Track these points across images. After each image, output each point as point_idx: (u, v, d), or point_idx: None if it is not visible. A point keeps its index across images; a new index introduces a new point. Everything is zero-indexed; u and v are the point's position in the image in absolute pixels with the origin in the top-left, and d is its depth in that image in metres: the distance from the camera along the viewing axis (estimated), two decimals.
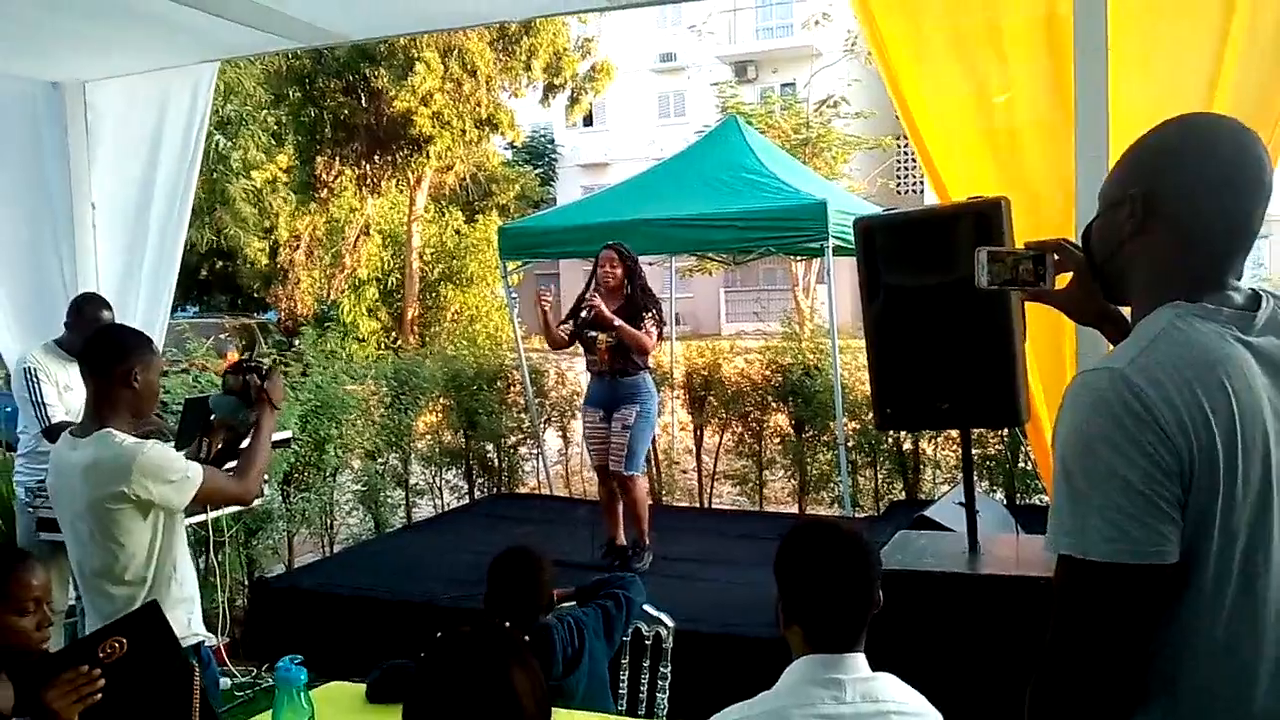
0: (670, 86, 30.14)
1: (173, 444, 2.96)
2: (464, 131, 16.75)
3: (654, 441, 6.61)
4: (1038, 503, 5.76)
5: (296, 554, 6.09)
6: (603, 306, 5.04)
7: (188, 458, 2.68)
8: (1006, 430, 5.66)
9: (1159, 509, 1.17)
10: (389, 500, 6.90)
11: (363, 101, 16.77)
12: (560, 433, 7.96)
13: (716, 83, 21.84)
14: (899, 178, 21.31)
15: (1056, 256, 1.64)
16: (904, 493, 6.67)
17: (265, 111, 15.31)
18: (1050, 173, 3.03)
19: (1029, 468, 5.90)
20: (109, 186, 4.68)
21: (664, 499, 7.35)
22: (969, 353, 2.86)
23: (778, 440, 7.13)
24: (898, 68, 3.23)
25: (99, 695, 1.95)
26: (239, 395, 2.80)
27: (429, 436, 7.59)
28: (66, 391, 4.10)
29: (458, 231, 19.09)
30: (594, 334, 5.10)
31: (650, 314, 5.09)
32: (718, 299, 26.93)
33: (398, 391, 7.19)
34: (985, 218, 2.76)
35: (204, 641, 2.76)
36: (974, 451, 3.79)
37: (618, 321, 5.01)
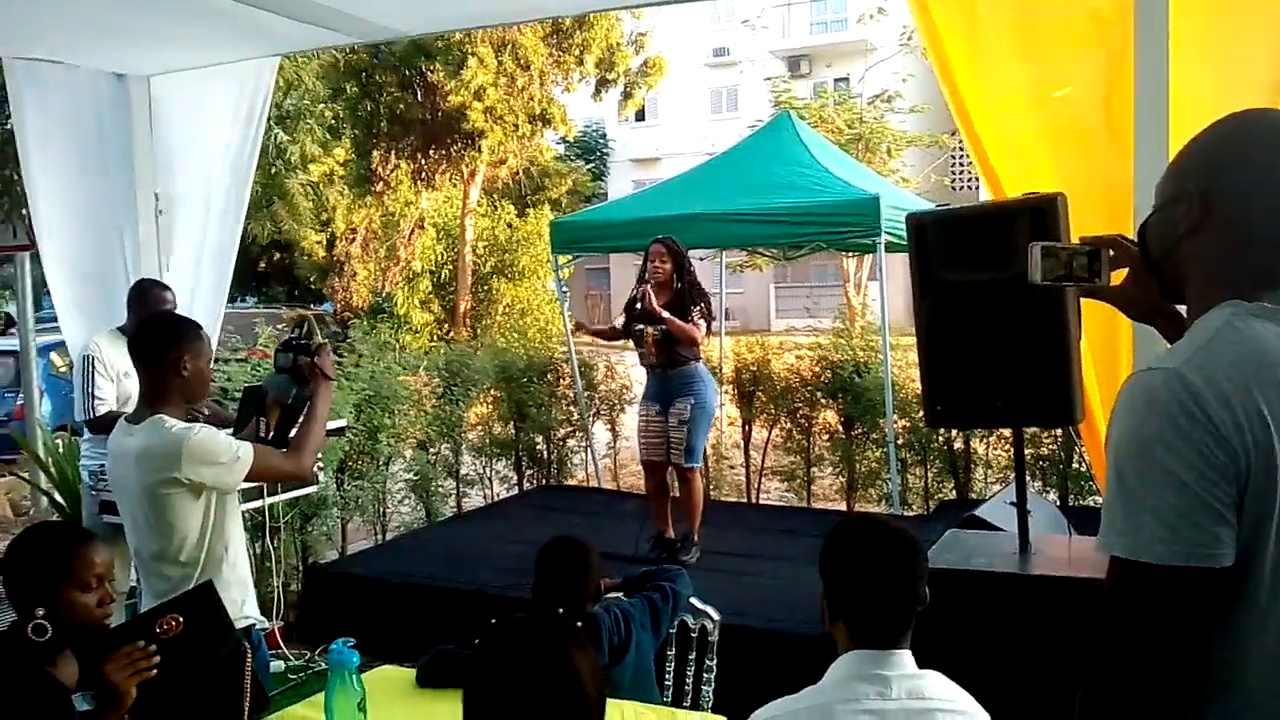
0: (723, 81, 30.04)
1: (231, 431, 3.02)
2: (517, 126, 16.87)
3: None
4: (1092, 504, 5.66)
5: (350, 541, 6.19)
6: (652, 297, 5.06)
7: (245, 438, 2.73)
8: (1060, 430, 5.58)
9: (1213, 511, 1.15)
10: (440, 490, 6.99)
11: (418, 96, 16.95)
12: (609, 426, 7.99)
13: (769, 77, 21.70)
14: (954, 174, 21.03)
15: (1112, 252, 1.61)
16: (954, 492, 6.60)
17: (323, 105, 15.53)
18: (1109, 169, 2.97)
19: (1083, 469, 5.80)
20: (172, 178, 4.79)
21: (712, 494, 7.34)
22: (1023, 350, 2.82)
23: (826, 437, 7.09)
24: (953, 62, 3.19)
25: (154, 671, 2.00)
26: (290, 373, 2.83)
27: (479, 427, 7.67)
28: (125, 378, 4.10)
29: (510, 225, 19.23)
30: (641, 327, 5.13)
31: (698, 307, 5.10)
32: (768, 295, 26.83)
33: (449, 383, 7.28)
34: (1041, 214, 2.72)
35: (256, 624, 2.80)
36: (1026, 451, 3.74)
37: (665, 314, 5.03)
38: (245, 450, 2.59)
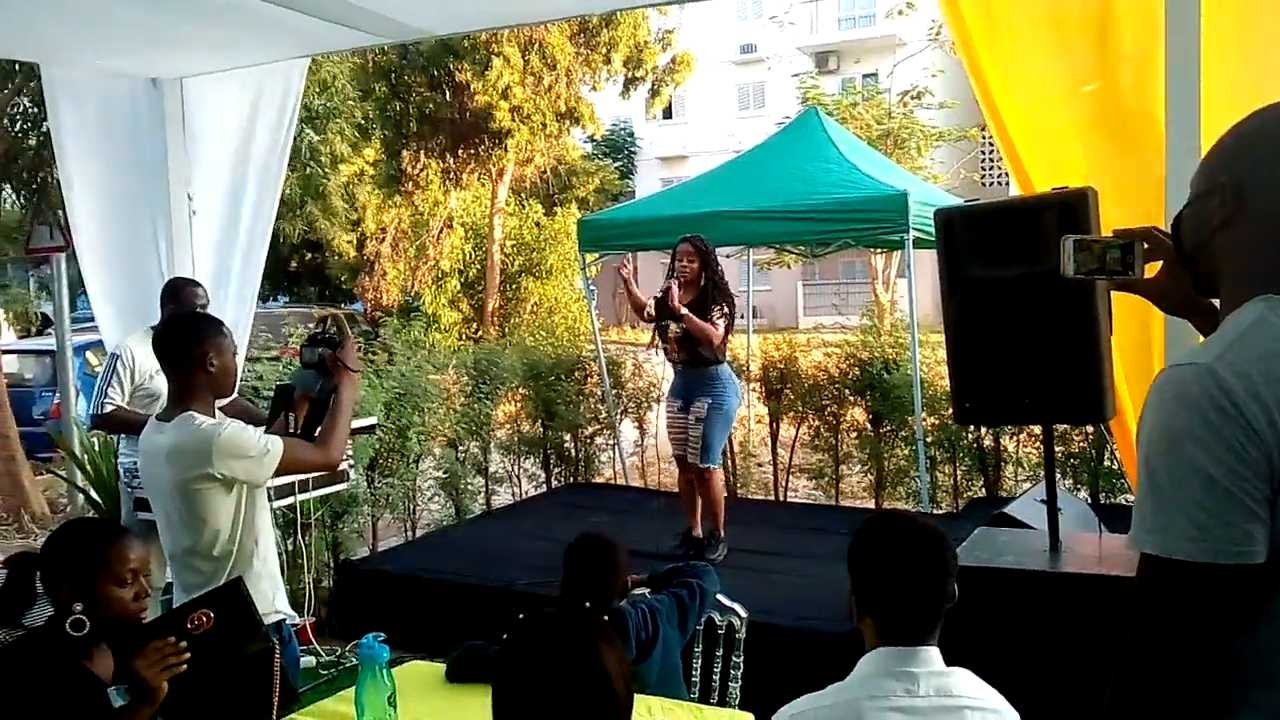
0: (750, 78, 29.94)
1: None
2: (544, 125, 16.90)
3: (730, 434, 6.59)
4: (1123, 502, 5.60)
5: (380, 538, 6.25)
6: (675, 293, 5.07)
7: (274, 434, 2.76)
8: (1091, 427, 5.52)
9: (1245, 507, 1.14)
10: (469, 487, 7.03)
11: (447, 96, 17.02)
12: (636, 424, 7.99)
13: (797, 74, 21.58)
14: (983, 170, 20.83)
15: (1145, 245, 1.60)
16: (984, 489, 6.56)
17: (353, 105, 15.64)
18: (1140, 164, 2.94)
19: (1114, 466, 5.74)
20: (204, 178, 4.85)
21: (739, 491, 7.34)
22: (1052, 346, 2.79)
23: (854, 434, 7.06)
24: (981, 56, 3.17)
25: (185, 666, 2.03)
26: (316, 367, 2.89)
27: (508, 425, 7.71)
28: (158, 375, 4.10)
29: (537, 224, 19.27)
30: (665, 322, 5.16)
31: (719, 307, 5.10)
32: (795, 292, 26.73)
33: (478, 381, 7.31)
34: (1071, 208, 2.69)
35: (287, 618, 2.84)
36: (1057, 449, 3.71)
37: (684, 311, 5.04)
38: (274, 443, 2.63)
